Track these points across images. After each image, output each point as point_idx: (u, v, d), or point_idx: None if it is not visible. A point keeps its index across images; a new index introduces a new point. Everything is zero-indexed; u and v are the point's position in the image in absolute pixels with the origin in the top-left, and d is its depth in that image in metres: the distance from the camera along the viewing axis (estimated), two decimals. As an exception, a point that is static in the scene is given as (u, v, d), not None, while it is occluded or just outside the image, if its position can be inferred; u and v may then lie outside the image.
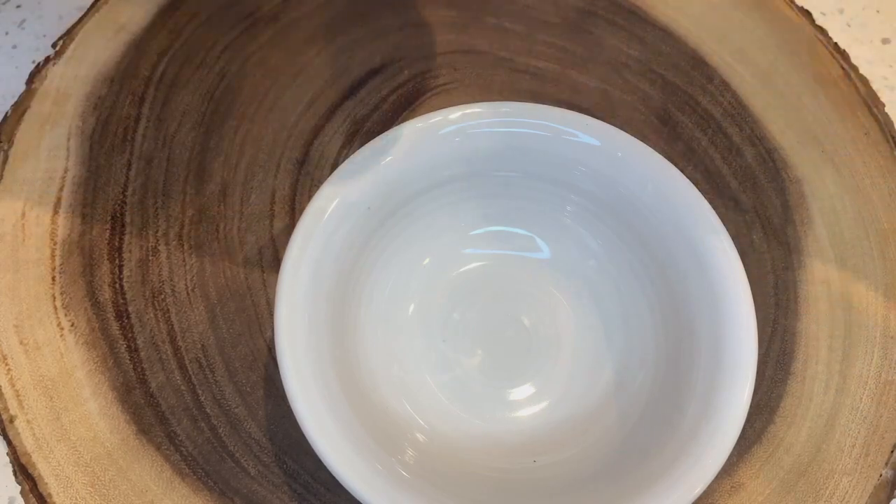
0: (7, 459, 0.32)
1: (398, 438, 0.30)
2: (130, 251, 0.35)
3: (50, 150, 0.36)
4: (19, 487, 0.31)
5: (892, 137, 0.38)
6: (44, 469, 0.31)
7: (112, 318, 0.34)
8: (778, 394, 0.34)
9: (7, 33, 0.39)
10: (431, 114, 0.32)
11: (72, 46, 0.37)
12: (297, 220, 0.31)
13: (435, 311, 0.34)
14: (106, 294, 0.34)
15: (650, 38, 0.41)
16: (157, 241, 0.35)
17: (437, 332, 0.34)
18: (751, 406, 0.30)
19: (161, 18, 0.38)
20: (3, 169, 0.35)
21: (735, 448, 0.29)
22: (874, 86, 0.39)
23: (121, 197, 0.35)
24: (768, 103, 0.38)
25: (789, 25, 0.40)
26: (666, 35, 0.41)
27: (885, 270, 0.36)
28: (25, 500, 0.31)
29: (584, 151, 0.32)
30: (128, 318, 0.34)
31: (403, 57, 0.39)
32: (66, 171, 0.35)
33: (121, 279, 0.34)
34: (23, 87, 0.36)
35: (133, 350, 0.33)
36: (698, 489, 0.28)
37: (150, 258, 0.35)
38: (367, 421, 0.29)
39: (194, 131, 0.37)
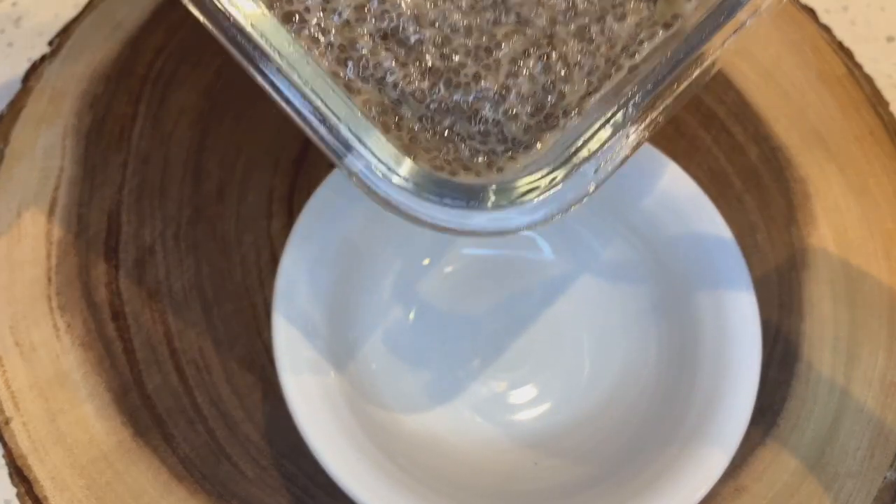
0: (2, 462, 0.32)
1: (398, 442, 0.30)
2: (127, 251, 0.34)
3: (46, 149, 0.35)
4: (15, 490, 0.31)
5: (897, 136, 0.38)
6: (39, 472, 0.31)
7: (108, 318, 0.33)
8: (781, 396, 0.34)
9: (3, 31, 0.38)
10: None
11: (68, 44, 0.37)
12: (295, 219, 0.31)
13: (435, 312, 0.34)
14: (102, 295, 0.34)
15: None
16: (154, 241, 0.35)
17: (437, 333, 0.34)
18: (754, 408, 0.29)
19: (158, 16, 0.38)
20: (-2, 168, 0.35)
21: (738, 451, 0.29)
22: (878, 84, 0.38)
23: (117, 196, 0.35)
24: (772, 101, 0.38)
25: (793, 23, 0.39)
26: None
27: (889, 271, 0.35)
28: (21, 504, 0.31)
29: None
30: (124, 319, 0.33)
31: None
32: (61, 170, 0.35)
33: (117, 280, 0.34)
34: (18, 86, 0.36)
35: (129, 351, 0.33)
36: (701, 492, 0.28)
37: (147, 258, 0.34)
38: (367, 424, 0.29)
39: (191, 130, 0.36)
